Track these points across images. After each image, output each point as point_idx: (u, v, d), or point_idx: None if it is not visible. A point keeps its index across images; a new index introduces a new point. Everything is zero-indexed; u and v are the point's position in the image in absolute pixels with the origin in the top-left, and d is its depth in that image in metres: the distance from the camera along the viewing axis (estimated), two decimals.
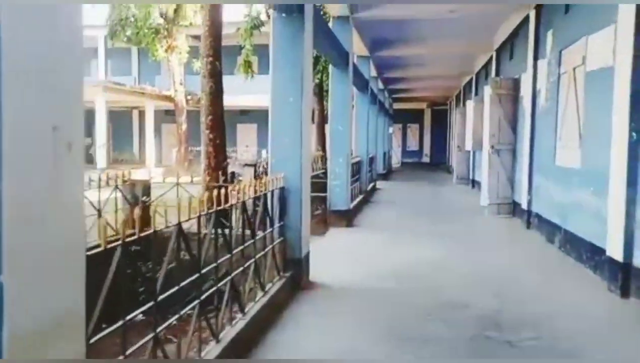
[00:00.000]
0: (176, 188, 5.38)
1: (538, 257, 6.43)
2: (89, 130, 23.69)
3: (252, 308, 4.00)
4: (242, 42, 13.20)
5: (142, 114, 29.06)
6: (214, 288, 3.46)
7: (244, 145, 31.36)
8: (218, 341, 3.35)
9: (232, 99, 26.50)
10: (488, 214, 9.78)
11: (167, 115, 29.61)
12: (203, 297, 3.28)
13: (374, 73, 15.40)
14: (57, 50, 1.68)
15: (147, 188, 5.66)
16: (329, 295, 4.89)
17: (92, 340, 2.02)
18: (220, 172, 8.37)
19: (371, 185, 14.53)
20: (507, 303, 4.56)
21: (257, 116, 28.63)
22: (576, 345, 3.66)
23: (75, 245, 1.79)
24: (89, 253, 1.93)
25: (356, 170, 11.60)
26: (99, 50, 28.84)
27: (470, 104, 14.22)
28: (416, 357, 3.50)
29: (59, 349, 1.69)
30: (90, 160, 23.49)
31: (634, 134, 4.60)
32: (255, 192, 4.40)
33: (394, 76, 16.65)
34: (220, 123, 8.64)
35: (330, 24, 8.30)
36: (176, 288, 2.96)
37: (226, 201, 3.56)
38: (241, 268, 3.94)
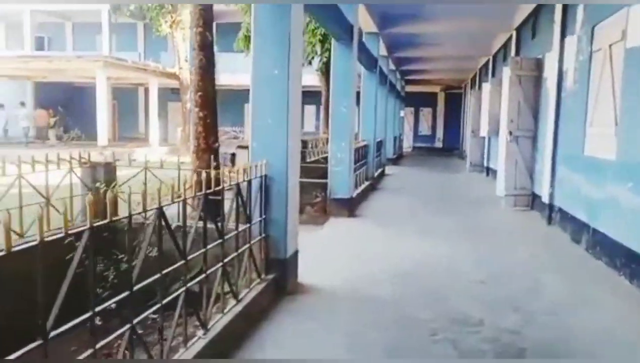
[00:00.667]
0: (153, 173, 4.69)
1: (563, 260, 5.64)
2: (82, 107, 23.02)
3: (219, 323, 3.28)
4: (242, 15, 12.39)
5: (148, 92, 28.34)
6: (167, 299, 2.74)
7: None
8: None
9: (238, 78, 25.85)
10: (505, 206, 8.97)
11: (173, 93, 28.86)
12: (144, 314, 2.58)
13: (383, 52, 14.49)
14: None
15: (110, 171, 4.94)
16: (318, 304, 4.16)
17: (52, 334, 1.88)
18: (211, 155, 7.70)
19: (379, 170, 13.74)
20: (531, 321, 3.79)
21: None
22: None
23: None
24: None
25: (362, 155, 10.81)
26: (103, 24, 28.03)
27: (486, 87, 13.32)
28: None
29: None
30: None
31: None
32: (229, 180, 3.69)
33: (405, 56, 15.72)
34: (211, 100, 7.86)
35: None
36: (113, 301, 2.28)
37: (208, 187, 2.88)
38: (204, 274, 3.23)
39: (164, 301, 2.72)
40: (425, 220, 7.87)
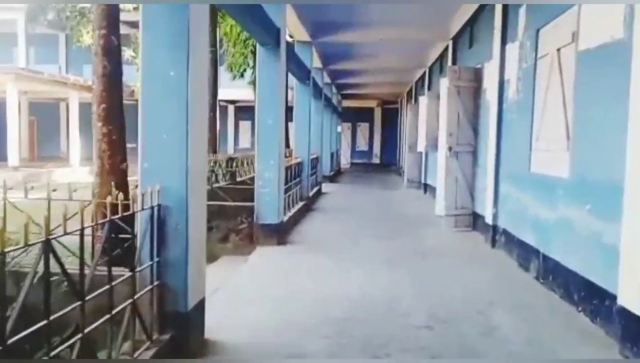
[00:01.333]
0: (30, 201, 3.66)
1: (513, 293, 5.01)
2: None
3: None
4: None
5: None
6: None
7: None
8: None
9: None
10: (445, 227, 8.39)
11: None
12: None
13: (318, 64, 13.86)
14: None
15: None
16: None
17: None
18: (119, 177, 6.68)
19: (315, 189, 12.99)
20: None
21: None
22: None
23: None
24: None
25: (295, 173, 10.00)
26: (19, 35, 25.93)
27: (423, 100, 12.94)
28: None
29: None
30: None
31: None
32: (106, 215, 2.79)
33: (341, 68, 15.16)
34: (117, 113, 6.80)
35: None
36: None
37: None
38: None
39: None
40: (363, 246, 7.13)
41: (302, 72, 10.46)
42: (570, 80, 4.73)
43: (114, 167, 6.80)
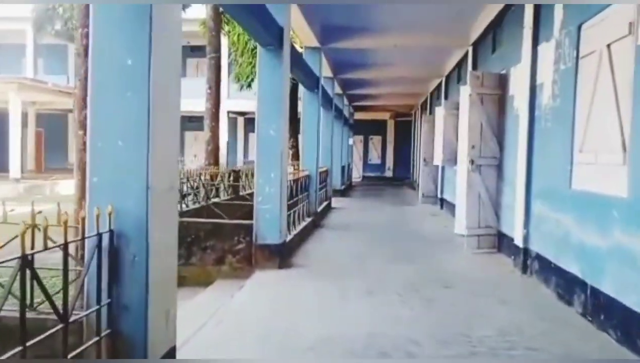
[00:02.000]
0: None
1: (558, 334, 4.16)
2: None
3: None
4: None
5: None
6: None
7: (192, 155, 28.61)
8: None
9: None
10: (467, 248, 7.55)
11: None
12: None
13: (328, 73, 13.16)
14: None
15: None
16: None
17: None
18: None
19: (324, 204, 12.20)
20: None
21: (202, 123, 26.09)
22: None
23: None
24: None
25: (302, 187, 9.24)
26: (27, 45, 25.66)
27: (439, 111, 12.15)
28: None
29: None
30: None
31: None
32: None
33: (352, 78, 14.44)
34: None
35: None
36: None
37: None
38: None
39: None
40: (375, 271, 6.31)
41: (310, 80, 9.74)
42: (626, 79, 3.91)
43: None
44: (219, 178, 9.35)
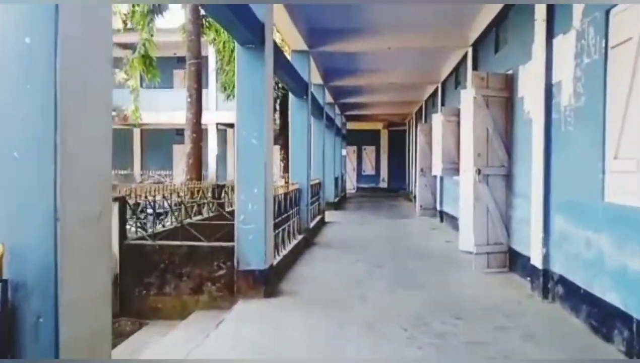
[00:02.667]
0: None
1: None
2: None
3: None
4: (136, 26, 9.84)
5: None
6: None
7: (181, 168, 27.77)
8: None
9: (166, 116, 23.28)
10: (475, 268, 6.79)
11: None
12: None
13: (318, 80, 12.46)
14: None
15: None
16: None
17: None
18: None
19: (317, 219, 11.43)
20: None
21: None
22: None
23: None
24: None
25: (292, 202, 8.48)
26: None
27: (437, 118, 11.45)
28: None
29: None
30: None
31: None
32: None
33: (343, 85, 13.73)
34: None
35: None
36: None
37: None
38: None
39: None
40: (374, 299, 5.52)
41: (298, 86, 9.01)
42: None
43: None
44: (200, 194, 8.55)
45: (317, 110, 12.49)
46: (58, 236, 1.80)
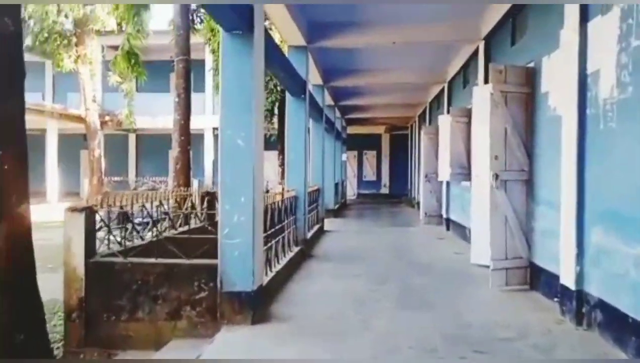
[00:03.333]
0: None
1: None
2: None
3: None
4: (121, 21, 9.08)
5: (60, 138, 24.29)
6: None
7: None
8: None
9: (162, 121, 22.50)
10: (492, 285, 6.02)
11: (86, 140, 25.13)
12: None
13: (318, 80, 11.75)
14: None
15: None
16: None
17: None
18: (13, 223, 4.59)
19: (315, 228, 10.67)
20: None
21: (193, 141, 24.51)
22: None
23: None
24: None
25: (287, 211, 7.72)
26: None
27: (444, 120, 10.72)
28: None
29: None
30: None
31: None
32: None
33: (344, 85, 13.01)
34: (11, 138, 4.64)
35: None
36: None
37: None
38: None
39: None
40: (381, 324, 4.75)
41: (295, 84, 8.27)
42: None
43: (9, 210, 4.59)
44: (188, 202, 7.79)
45: (316, 111, 11.76)
46: None
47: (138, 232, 6.34)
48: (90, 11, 19.07)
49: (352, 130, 24.80)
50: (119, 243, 5.39)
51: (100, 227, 5.33)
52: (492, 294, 5.88)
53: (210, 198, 8.89)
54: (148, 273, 4.95)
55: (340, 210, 17.53)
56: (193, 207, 7.88)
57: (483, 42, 8.41)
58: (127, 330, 4.94)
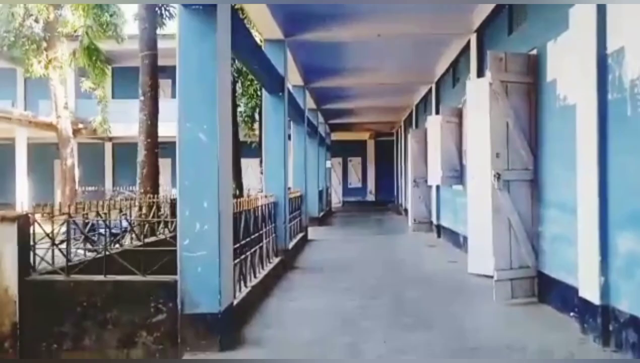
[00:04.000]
0: None
1: None
2: None
3: None
4: (75, 11, 8.33)
5: (29, 147, 23.19)
6: None
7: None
8: None
9: (135, 129, 21.60)
10: (497, 297, 5.33)
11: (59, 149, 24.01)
12: None
13: (299, 81, 11.07)
14: None
15: None
16: None
17: None
18: None
19: (298, 237, 9.93)
20: None
21: (172, 150, 23.59)
22: None
23: None
24: None
25: (264, 218, 6.96)
26: None
27: (434, 120, 10.12)
28: None
29: None
30: None
31: None
32: None
33: (327, 86, 12.34)
34: None
35: None
36: None
37: None
38: None
39: None
40: (372, 352, 4.02)
41: (271, 79, 7.55)
42: None
43: None
44: (154, 210, 6.99)
45: (298, 114, 11.06)
46: None
47: (93, 243, 5.57)
48: (59, 14, 18.18)
49: (336, 136, 24.14)
50: (67, 258, 4.58)
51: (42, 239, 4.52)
52: (497, 309, 5.19)
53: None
54: (95, 293, 4.16)
55: (325, 218, 16.81)
56: (158, 215, 7.07)
57: (475, 34, 7.79)
58: (71, 362, 4.14)
